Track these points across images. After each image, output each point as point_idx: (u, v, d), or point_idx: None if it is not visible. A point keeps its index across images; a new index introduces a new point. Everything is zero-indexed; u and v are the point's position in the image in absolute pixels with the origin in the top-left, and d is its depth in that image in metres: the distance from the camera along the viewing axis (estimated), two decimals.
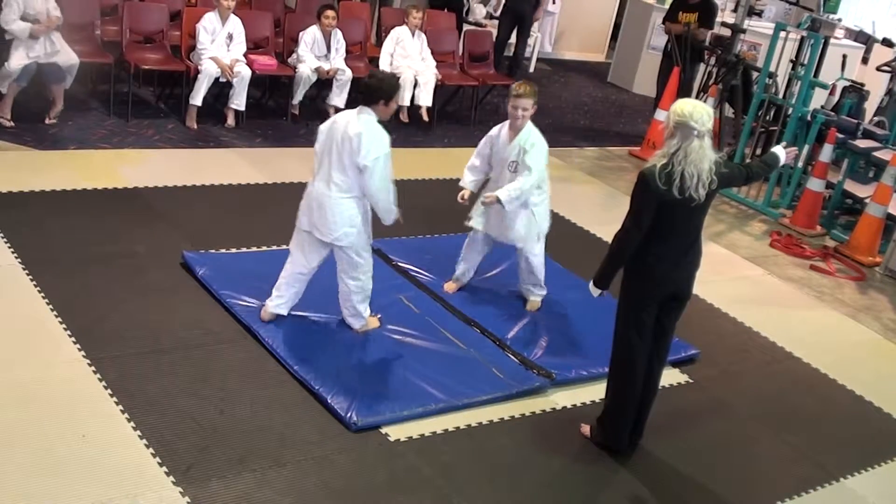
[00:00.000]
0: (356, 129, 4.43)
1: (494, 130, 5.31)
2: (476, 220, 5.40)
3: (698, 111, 3.90)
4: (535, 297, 5.56)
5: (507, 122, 5.25)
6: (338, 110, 8.23)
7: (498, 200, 5.08)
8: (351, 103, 8.34)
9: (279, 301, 4.80)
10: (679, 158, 3.89)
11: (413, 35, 8.60)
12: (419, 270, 5.72)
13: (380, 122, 4.51)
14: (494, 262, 5.78)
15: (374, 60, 8.95)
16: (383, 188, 4.52)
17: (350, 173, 4.49)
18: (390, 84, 4.56)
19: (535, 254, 5.41)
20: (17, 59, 6.60)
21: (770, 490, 4.39)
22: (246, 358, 4.55)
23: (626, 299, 4.18)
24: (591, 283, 4.24)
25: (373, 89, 4.50)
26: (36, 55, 6.65)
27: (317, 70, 7.96)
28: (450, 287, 5.58)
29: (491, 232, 5.37)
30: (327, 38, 8.07)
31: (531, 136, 5.17)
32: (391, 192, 4.58)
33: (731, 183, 4.34)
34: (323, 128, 4.62)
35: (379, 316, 5.05)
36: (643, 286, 4.12)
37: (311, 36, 8.01)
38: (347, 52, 8.40)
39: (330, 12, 7.99)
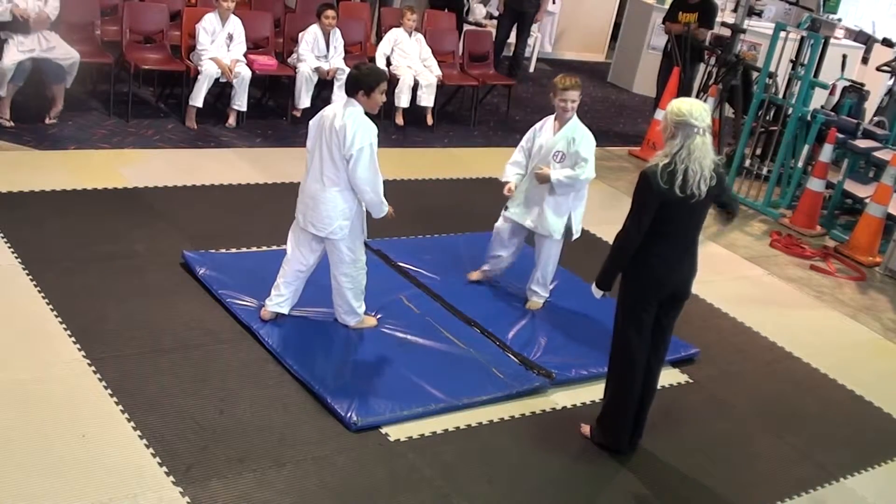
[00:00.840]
0: (341, 122, 4.43)
1: (538, 124, 5.35)
2: (514, 211, 5.40)
3: (696, 108, 3.93)
4: (538, 299, 5.57)
5: (549, 117, 5.30)
6: None
7: (548, 179, 5.16)
8: None
9: (279, 300, 4.80)
10: (682, 157, 3.90)
11: (410, 36, 8.60)
12: (419, 270, 5.72)
13: (367, 114, 4.50)
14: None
15: (374, 60, 8.94)
16: (368, 179, 4.49)
17: (340, 166, 4.48)
18: (370, 75, 4.49)
19: (553, 254, 5.45)
20: (10, 56, 6.56)
21: (770, 490, 4.39)
22: (246, 358, 4.55)
23: (625, 299, 4.18)
24: (593, 285, 4.24)
25: (353, 80, 4.48)
26: (28, 49, 6.60)
27: (317, 70, 7.96)
28: (473, 276, 5.67)
29: (527, 222, 5.36)
30: (327, 37, 8.08)
31: (579, 127, 5.22)
32: (378, 183, 4.55)
33: (722, 189, 4.17)
34: (312, 123, 4.62)
35: (378, 315, 5.05)
36: (643, 286, 4.12)
37: (311, 35, 8.01)
38: (347, 52, 8.40)
39: (330, 12, 7.99)
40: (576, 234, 5.44)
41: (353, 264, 4.73)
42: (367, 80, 4.46)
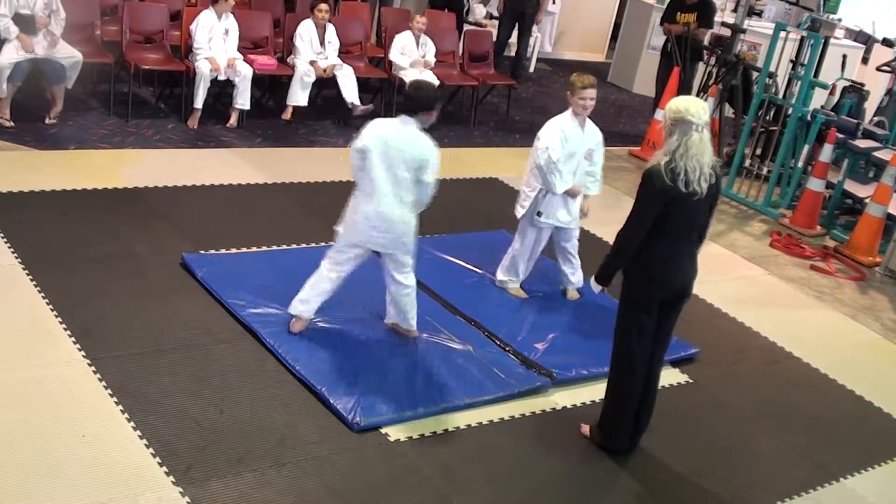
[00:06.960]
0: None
1: (555, 129, 5.41)
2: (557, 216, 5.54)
3: (694, 105, 3.93)
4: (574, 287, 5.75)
5: (560, 118, 5.45)
6: (353, 106, 8.19)
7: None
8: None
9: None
10: (680, 154, 3.89)
11: (418, 39, 8.58)
12: (419, 270, 5.70)
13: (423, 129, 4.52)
14: (500, 261, 5.78)
15: (374, 60, 8.95)
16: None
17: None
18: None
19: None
20: (8, 56, 6.56)
21: (770, 490, 4.39)
22: (246, 358, 4.55)
23: (627, 300, 4.17)
24: (592, 279, 4.25)
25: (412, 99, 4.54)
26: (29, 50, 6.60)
27: (313, 65, 7.94)
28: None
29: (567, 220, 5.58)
30: (321, 32, 8.07)
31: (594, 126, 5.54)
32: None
33: (718, 190, 4.15)
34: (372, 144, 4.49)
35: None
36: (646, 287, 4.10)
37: (305, 29, 8.00)
38: (347, 51, 8.40)
39: (323, 6, 7.99)
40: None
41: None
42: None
